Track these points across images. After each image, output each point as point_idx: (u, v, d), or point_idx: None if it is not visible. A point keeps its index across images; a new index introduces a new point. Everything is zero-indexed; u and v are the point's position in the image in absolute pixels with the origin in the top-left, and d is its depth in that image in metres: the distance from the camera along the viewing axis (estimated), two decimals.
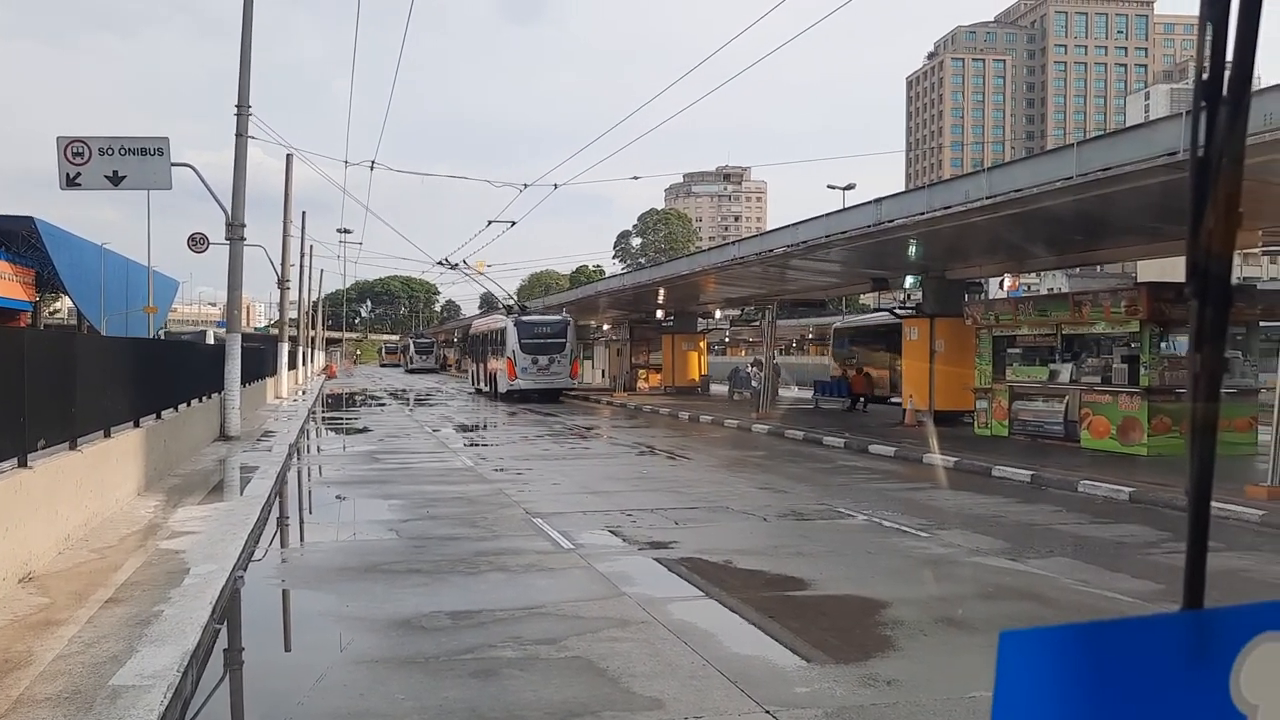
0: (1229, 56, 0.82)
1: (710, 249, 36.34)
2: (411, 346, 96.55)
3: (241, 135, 20.55)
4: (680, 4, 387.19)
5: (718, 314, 44.17)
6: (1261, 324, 19.06)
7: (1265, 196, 13.17)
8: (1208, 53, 0.82)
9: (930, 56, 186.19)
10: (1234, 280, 0.92)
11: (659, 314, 42.41)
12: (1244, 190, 0.84)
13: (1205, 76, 0.83)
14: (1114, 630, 0.80)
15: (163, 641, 6.02)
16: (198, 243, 28.64)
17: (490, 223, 36.70)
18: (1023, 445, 19.35)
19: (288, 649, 7.24)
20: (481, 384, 46.53)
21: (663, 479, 15.93)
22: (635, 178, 42.49)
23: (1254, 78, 0.90)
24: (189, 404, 16.86)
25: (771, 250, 23.88)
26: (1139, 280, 28.87)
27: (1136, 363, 18.06)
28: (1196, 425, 0.86)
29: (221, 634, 6.99)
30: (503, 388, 39.75)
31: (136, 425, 12.36)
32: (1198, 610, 0.84)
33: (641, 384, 45.57)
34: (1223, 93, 0.83)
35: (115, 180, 18.44)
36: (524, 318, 40.67)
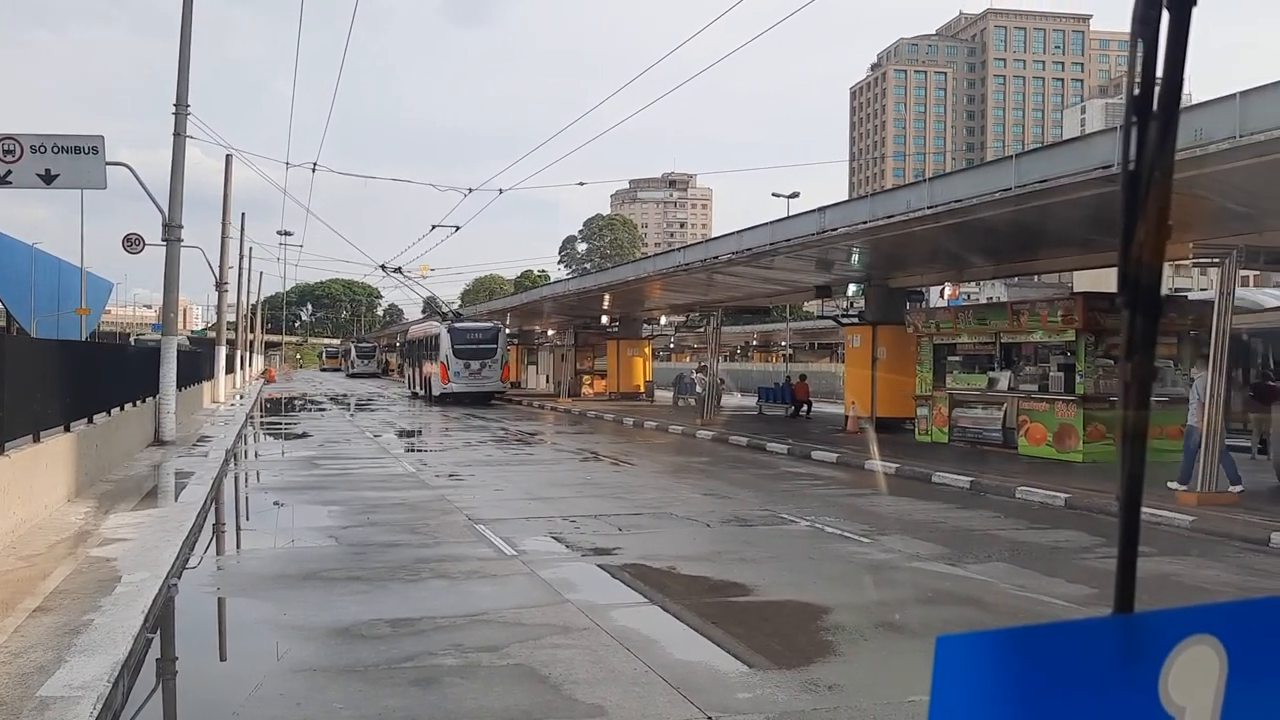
0: (1159, 74, 0.84)
1: (656, 255, 36.52)
2: (353, 351, 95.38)
3: (180, 135, 20.20)
4: (628, 11, 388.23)
5: (663, 320, 44.23)
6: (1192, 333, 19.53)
7: (1195, 210, 13.50)
8: (1139, 70, 0.84)
9: (873, 68, 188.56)
10: (1165, 291, 0.94)
11: (604, 320, 42.42)
12: (1174, 203, 0.86)
13: (1136, 93, 0.85)
14: (1047, 634, 0.81)
15: (92, 651, 5.88)
16: (133, 244, 27.99)
17: (434, 227, 36.47)
18: (962, 452, 19.64)
19: (223, 658, 7.11)
20: (417, 387, 48.16)
21: (607, 485, 15.92)
22: (581, 183, 42.58)
23: (1184, 94, 0.92)
24: (122, 408, 16.50)
25: (716, 257, 23.99)
26: (1075, 290, 29.47)
27: (1072, 371, 18.43)
28: (1127, 433, 0.88)
29: (154, 643, 6.84)
30: (437, 390, 41.61)
31: (67, 430, 12.07)
32: (1128, 614, 0.86)
33: (586, 390, 45.49)
34: (1153, 109, 0.85)
35: (48, 179, 17.97)
36: (457, 324, 42.88)
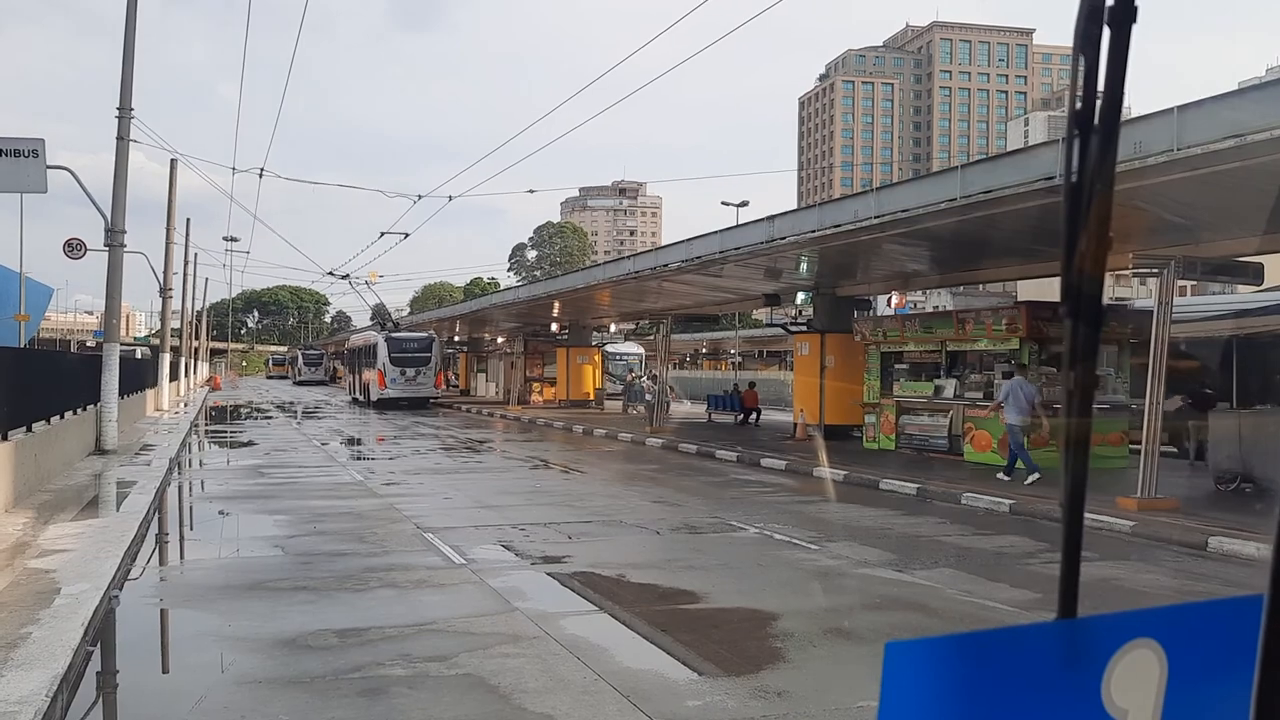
0: (1100, 88, 0.86)
1: (605, 263, 36.56)
2: (300, 358, 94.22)
3: (123, 139, 19.83)
4: (577, 19, 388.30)
5: (613, 328, 44.31)
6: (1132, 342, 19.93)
7: (1135, 221, 13.80)
8: (1080, 84, 0.86)
9: (822, 78, 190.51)
10: (1107, 300, 0.96)
11: (554, 327, 42.36)
12: (1115, 215, 0.88)
13: (1078, 107, 0.87)
14: (992, 639, 0.82)
15: (30, 665, 5.74)
16: (74, 249, 27.51)
17: (383, 234, 36.27)
18: (909, 459, 19.84)
19: (165, 670, 6.97)
20: (358, 393, 50.69)
21: (556, 493, 15.87)
22: (531, 191, 42.82)
23: (1124, 108, 0.94)
24: (62, 416, 16.15)
25: (666, 265, 24.08)
26: (1019, 299, 29.94)
27: None
28: (1070, 440, 0.90)
29: (95, 656, 6.69)
30: (375, 396, 44.20)
31: (5, 438, 11.78)
32: (1071, 619, 0.87)
33: (536, 397, 45.35)
34: (1094, 122, 0.86)
35: None
36: (394, 334, 45.15)
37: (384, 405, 43.21)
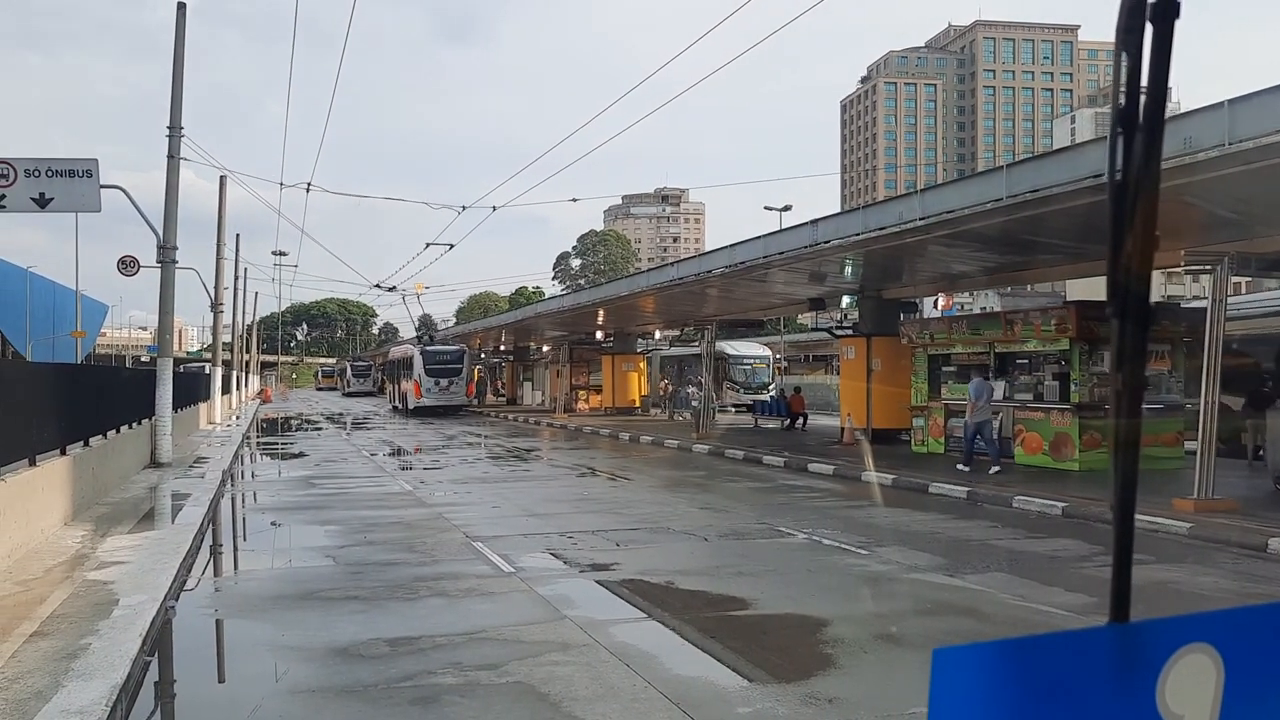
0: (1144, 85, 0.85)
1: (649, 270, 36.54)
2: (349, 370, 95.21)
3: (174, 157, 20.21)
4: (617, 27, 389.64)
5: (657, 334, 44.30)
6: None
7: (1186, 217, 13.56)
8: (1124, 82, 0.85)
9: (864, 80, 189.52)
10: (1159, 299, 0.95)
11: (599, 335, 42.46)
12: (1165, 211, 0.87)
13: (1122, 105, 0.86)
14: (1042, 645, 0.81)
15: (90, 676, 5.85)
16: (128, 266, 28.01)
17: (428, 245, 36.68)
18: (958, 462, 19.60)
19: (221, 680, 7.07)
20: (397, 401, 53.80)
21: (603, 500, 15.89)
22: (574, 200, 42.46)
23: (1170, 103, 0.93)
24: (119, 430, 16.47)
25: (709, 271, 24.04)
26: (1068, 299, 29.54)
27: (1067, 380, 18.45)
28: (1119, 441, 0.88)
29: (152, 667, 6.80)
30: (411, 404, 47.31)
31: (63, 453, 12.03)
32: (1124, 623, 0.86)
33: (581, 405, 45.49)
34: (1138, 120, 0.85)
35: (42, 203, 17.95)
36: (428, 347, 48.79)
37: (420, 413, 45.90)
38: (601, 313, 36.11)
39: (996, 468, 17.50)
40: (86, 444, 13.62)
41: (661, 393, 43.23)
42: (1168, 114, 0.90)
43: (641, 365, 45.24)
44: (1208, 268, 12.58)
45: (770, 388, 34.71)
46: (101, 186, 18.26)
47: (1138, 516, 0.90)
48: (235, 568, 11.22)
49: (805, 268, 21.83)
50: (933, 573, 9.79)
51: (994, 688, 0.80)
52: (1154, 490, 13.26)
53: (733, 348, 43.36)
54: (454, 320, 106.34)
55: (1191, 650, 0.85)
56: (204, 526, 12.49)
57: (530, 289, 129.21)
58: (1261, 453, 16.38)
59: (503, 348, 59.79)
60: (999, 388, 20.13)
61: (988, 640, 0.81)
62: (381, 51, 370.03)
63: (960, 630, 7.66)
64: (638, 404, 43.66)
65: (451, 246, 36.55)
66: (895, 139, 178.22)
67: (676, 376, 41.84)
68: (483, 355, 64.85)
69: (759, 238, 21.83)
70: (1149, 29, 0.84)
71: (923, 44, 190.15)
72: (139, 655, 6.47)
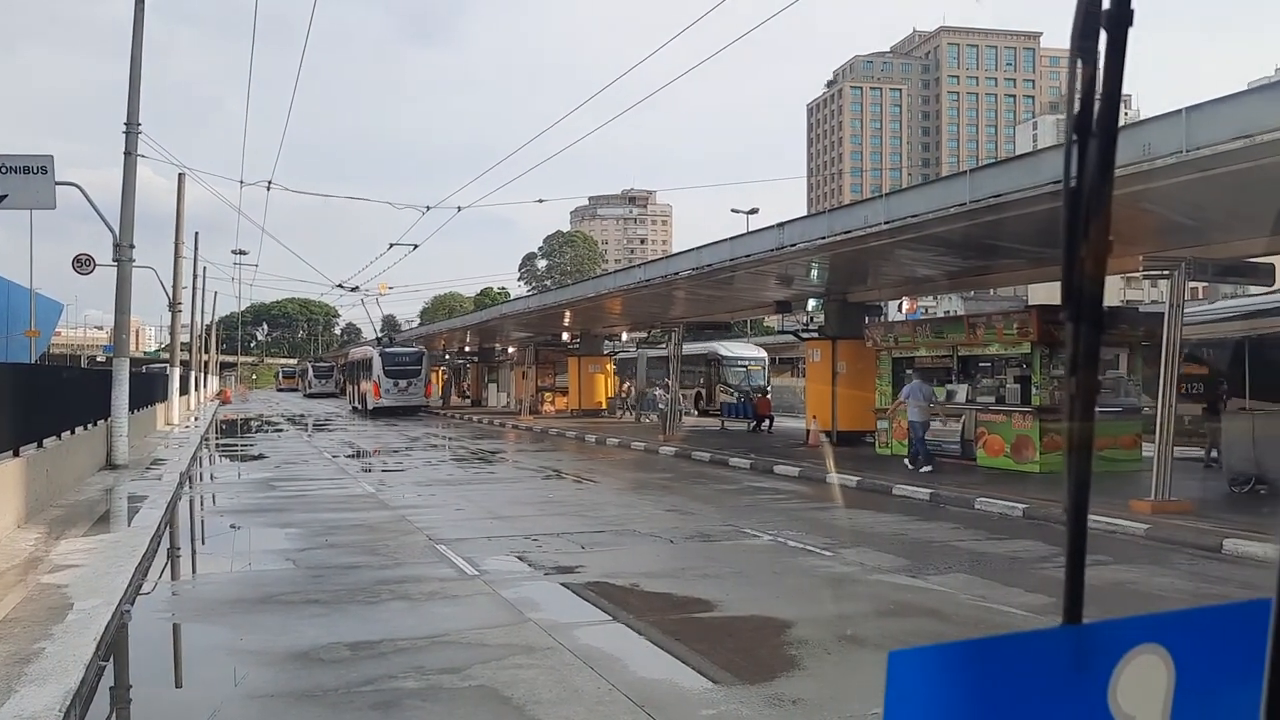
0: (1099, 92, 0.85)
1: (616, 272, 36.56)
2: (310, 371, 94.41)
3: (131, 154, 19.94)
4: (585, 29, 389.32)
5: (624, 336, 44.29)
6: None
7: (1144, 223, 13.74)
8: (1079, 89, 0.86)
9: (830, 84, 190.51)
10: (1118, 303, 0.96)
11: (565, 336, 42.38)
12: (1123, 217, 0.88)
13: (1077, 111, 0.86)
14: (996, 646, 0.82)
15: (44, 680, 5.75)
16: (83, 264, 27.53)
17: (392, 245, 36.45)
18: (905, 459, 19.76)
19: (178, 685, 6.99)
20: (356, 402, 54.16)
21: (569, 503, 15.86)
22: (540, 200, 42.27)
23: (1132, 110, 0.94)
24: (73, 431, 16.22)
25: (676, 273, 24.08)
26: (1030, 303, 29.85)
27: (1028, 383, 18.65)
28: (1073, 443, 0.89)
29: (107, 671, 6.70)
30: (370, 405, 48.00)
31: (16, 454, 11.83)
32: (1077, 624, 0.86)
33: (548, 407, 45.38)
34: (1092, 126, 0.86)
35: None
36: (387, 349, 49.69)
37: (380, 414, 46.56)
38: (568, 314, 36.07)
39: (928, 467, 18.11)
40: (40, 445, 13.41)
41: (624, 395, 43.07)
42: (1125, 121, 0.91)
43: (608, 367, 45.20)
44: (1165, 272, 12.75)
45: (768, 392, 33.78)
46: (57, 183, 17.93)
47: (1096, 517, 0.91)
48: (193, 571, 11.09)
49: (772, 271, 21.92)
50: (896, 574, 9.86)
51: (948, 689, 0.80)
52: (1112, 492, 13.42)
53: (726, 349, 42.78)
54: (418, 321, 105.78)
55: (1143, 651, 0.86)
56: (161, 529, 12.33)
57: (496, 290, 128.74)
58: (1216, 455, 16.65)
59: (468, 349, 59.51)
60: (961, 390, 20.33)
61: (946, 641, 0.82)
62: (347, 51, 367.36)
63: (922, 631, 7.72)
64: (605, 406, 43.62)
65: (415, 247, 36.34)
66: (861, 143, 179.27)
67: (644, 379, 41.74)
68: (447, 357, 64.57)
69: (726, 240, 21.89)
70: (1103, 36, 0.85)
71: (888, 49, 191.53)
72: (94, 660, 6.37)
